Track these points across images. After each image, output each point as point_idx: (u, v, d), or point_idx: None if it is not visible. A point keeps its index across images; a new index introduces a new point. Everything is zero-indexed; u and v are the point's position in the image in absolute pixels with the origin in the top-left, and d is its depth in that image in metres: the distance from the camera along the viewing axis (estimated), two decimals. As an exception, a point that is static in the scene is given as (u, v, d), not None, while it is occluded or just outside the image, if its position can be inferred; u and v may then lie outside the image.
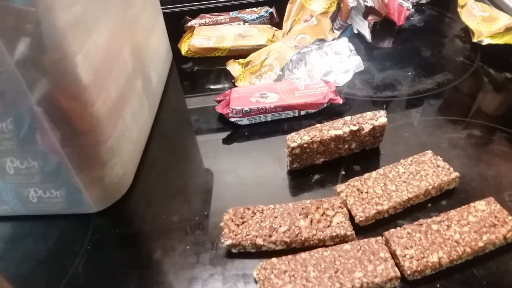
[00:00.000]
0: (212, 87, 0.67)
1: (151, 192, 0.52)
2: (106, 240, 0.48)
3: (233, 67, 0.66)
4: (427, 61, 0.68)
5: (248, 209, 0.46)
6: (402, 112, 0.60)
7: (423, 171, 0.47)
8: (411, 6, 0.76)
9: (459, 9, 0.73)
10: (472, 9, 0.72)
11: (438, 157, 0.49)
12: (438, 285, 0.40)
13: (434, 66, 0.67)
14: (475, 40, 0.68)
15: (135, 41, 0.54)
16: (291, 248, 0.44)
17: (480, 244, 0.40)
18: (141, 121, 0.56)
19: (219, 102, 0.61)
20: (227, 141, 0.58)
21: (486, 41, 0.66)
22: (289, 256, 0.41)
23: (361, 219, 0.44)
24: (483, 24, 0.69)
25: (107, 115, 0.45)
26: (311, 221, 0.44)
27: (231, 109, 0.58)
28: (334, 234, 0.43)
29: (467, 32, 0.72)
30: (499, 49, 0.66)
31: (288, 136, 0.50)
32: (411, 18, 0.80)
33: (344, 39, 0.68)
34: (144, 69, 0.58)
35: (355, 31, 0.74)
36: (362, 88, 0.64)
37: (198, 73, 0.71)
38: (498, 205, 0.43)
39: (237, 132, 0.59)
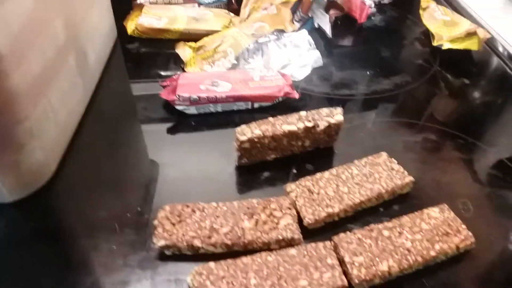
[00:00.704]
0: (159, 71, 0.62)
1: (77, 183, 0.46)
2: (20, 235, 0.41)
3: (183, 50, 0.61)
4: (386, 62, 0.67)
5: (187, 206, 0.41)
6: (358, 112, 0.57)
7: (377, 173, 0.45)
8: (373, 5, 0.74)
9: (421, 11, 0.73)
10: (434, 12, 0.71)
11: (393, 159, 0.46)
12: (387, 296, 0.37)
13: (393, 67, 0.65)
14: (435, 44, 0.67)
15: (70, 13, 0.48)
16: (233, 251, 0.39)
17: (432, 253, 0.38)
18: (72, 102, 0.49)
19: (165, 87, 0.56)
20: (171, 131, 0.53)
21: (446, 46, 0.66)
22: (229, 261, 0.37)
23: (310, 222, 0.41)
24: (443, 28, 0.68)
25: (26, 91, 0.39)
26: (256, 222, 0.40)
27: (177, 96, 0.53)
28: (280, 237, 0.39)
29: (427, 35, 0.71)
30: (459, 54, 0.66)
31: (238, 129, 0.46)
32: (373, 18, 0.78)
33: (304, 32, 0.64)
34: (79, 45, 0.51)
35: (316, 25, 0.71)
36: (319, 84, 0.61)
37: (145, 55, 0.65)
38: (452, 213, 0.41)
39: (184, 122, 0.54)
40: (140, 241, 0.40)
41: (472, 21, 0.69)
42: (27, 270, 0.38)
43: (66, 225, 0.42)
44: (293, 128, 0.46)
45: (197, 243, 0.38)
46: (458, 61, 0.66)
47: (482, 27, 0.70)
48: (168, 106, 0.55)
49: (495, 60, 0.68)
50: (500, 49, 0.68)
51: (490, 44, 0.70)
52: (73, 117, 0.50)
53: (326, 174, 0.45)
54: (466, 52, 0.66)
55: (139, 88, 0.60)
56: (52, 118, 0.44)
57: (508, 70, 0.65)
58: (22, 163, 0.41)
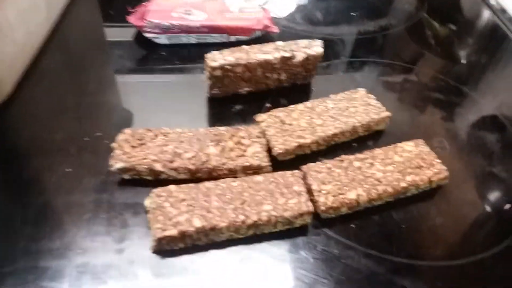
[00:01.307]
0: (131, 3, 0.58)
1: (35, 106, 0.43)
2: (-32, 155, 0.38)
3: (157, -24, 0.57)
4: (374, 5, 0.64)
5: (149, 130, 0.39)
6: (339, 51, 0.54)
7: (352, 107, 0.43)
8: None
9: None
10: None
11: (371, 95, 0.44)
12: (353, 226, 0.36)
13: (379, 11, 0.62)
14: (423, -11, 0.64)
15: None
16: (196, 178, 0.38)
17: (403, 184, 0.36)
18: (32, 22, 0.45)
19: (134, 13, 0.52)
20: (141, 61, 0.50)
21: (434, -9, 0.63)
22: (191, 185, 0.35)
23: (279, 151, 0.39)
24: (433, -26, 0.65)
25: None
26: (223, 148, 0.38)
27: (147, 22, 0.49)
28: (247, 164, 0.37)
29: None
30: (448, 2, 0.63)
31: (209, 55, 0.43)
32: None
33: (289, -32, 0.61)
34: (42, -42, 0.47)
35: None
36: (302, 23, 0.58)
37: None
38: (427, 147, 0.40)
39: (154, 52, 0.51)
40: (98, 165, 0.38)
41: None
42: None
43: (20, 146, 0.39)
44: (268, 57, 0.44)
45: (158, 166, 0.36)
46: (447, 9, 0.64)
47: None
48: (139, 35, 0.51)
49: (484, 10, 0.65)
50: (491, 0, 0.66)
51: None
52: (33, 38, 0.46)
53: (300, 106, 0.43)
54: (456, 1, 0.64)
55: (108, 18, 0.56)
56: (8, 35, 0.41)
57: (497, 20, 0.63)
58: (-28, 76, 0.38)
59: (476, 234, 0.37)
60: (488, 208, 0.39)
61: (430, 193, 0.39)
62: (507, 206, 0.38)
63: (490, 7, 0.65)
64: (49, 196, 0.36)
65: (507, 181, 0.41)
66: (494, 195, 0.40)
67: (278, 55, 0.44)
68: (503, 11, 0.63)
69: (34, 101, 0.43)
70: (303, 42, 0.46)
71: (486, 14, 0.65)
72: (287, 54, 0.44)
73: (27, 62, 0.45)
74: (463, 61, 0.56)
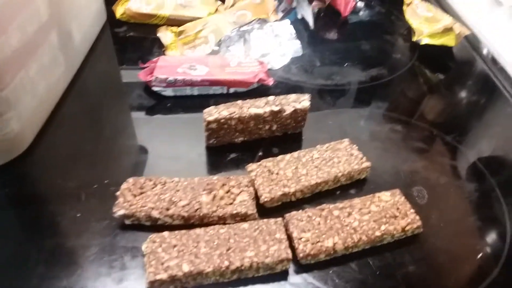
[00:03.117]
0: (143, 55, 0.64)
1: (52, 154, 0.48)
2: (-8, 200, 0.44)
3: (165, 34, 0.63)
4: (365, 55, 0.68)
5: (150, 180, 0.43)
6: (330, 101, 0.58)
7: (336, 158, 0.46)
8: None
9: (404, 7, 0.74)
10: (417, 8, 0.72)
11: (354, 145, 0.48)
12: (331, 272, 0.39)
13: (371, 60, 0.66)
14: (414, 39, 0.68)
15: (53, -8, 0.50)
16: (190, 224, 0.42)
17: (377, 233, 0.40)
18: (53, 77, 0.51)
19: (144, 69, 0.58)
20: (148, 111, 0.55)
21: (424, 41, 0.67)
22: (182, 231, 0.39)
23: (266, 199, 0.43)
24: (425, 24, 0.69)
25: (3, 63, 0.41)
26: (214, 197, 0.42)
27: (154, 77, 0.55)
28: (234, 212, 0.41)
29: (410, 31, 0.72)
30: (438, 50, 0.67)
31: (206, 110, 0.48)
32: (360, 13, 0.79)
33: (287, 22, 0.66)
34: (63, 23, 0.53)
35: (299, 16, 0.72)
36: (297, 73, 0.63)
37: (131, 39, 0.67)
38: (403, 198, 0.43)
39: (160, 103, 0.56)
40: (104, 210, 0.42)
41: (458, 19, 0.70)
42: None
43: (37, 192, 0.45)
44: (259, 111, 0.48)
45: (155, 214, 0.41)
46: (437, 57, 0.67)
47: (466, 25, 0.71)
48: (148, 88, 0.57)
49: (474, 58, 0.69)
50: (482, 49, 0.69)
51: (472, 42, 0.71)
52: (53, 91, 0.52)
53: (288, 156, 0.47)
54: (447, 49, 0.67)
55: (122, 70, 0.62)
56: (30, 90, 0.46)
57: (486, 69, 0.66)
58: (-1, 131, 0.43)
59: (450, 281, 0.39)
60: (462, 256, 0.41)
61: (406, 241, 0.41)
62: (479, 255, 0.41)
63: (481, 56, 0.68)
64: (60, 239, 0.40)
65: (482, 230, 0.43)
66: (469, 244, 0.42)
67: (268, 109, 0.48)
68: (494, 61, 0.66)
69: (51, 149, 0.49)
70: (292, 97, 0.50)
71: (477, 64, 0.68)
72: (276, 108, 0.49)
73: (47, 113, 0.51)
74: (450, 110, 0.59)
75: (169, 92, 0.56)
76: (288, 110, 0.49)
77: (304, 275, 0.39)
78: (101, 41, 0.66)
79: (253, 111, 0.48)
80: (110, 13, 0.69)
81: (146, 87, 0.57)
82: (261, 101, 0.50)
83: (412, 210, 0.42)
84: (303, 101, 0.50)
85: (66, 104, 0.54)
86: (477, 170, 0.50)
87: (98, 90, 0.59)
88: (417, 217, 0.41)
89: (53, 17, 0.50)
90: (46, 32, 0.49)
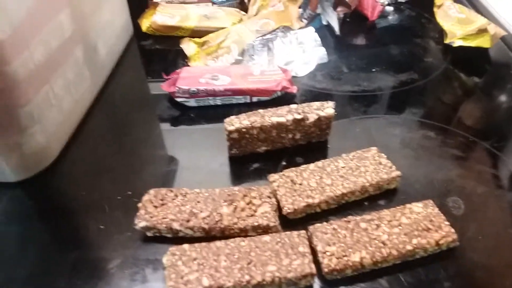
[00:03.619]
0: (168, 66, 0.64)
1: (78, 167, 0.49)
2: (19, 212, 0.44)
3: (188, 45, 0.63)
4: (394, 60, 0.65)
5: (171, 191, 0.43)
6: (357, 108, 0.56)
7: (363, 167, 0.44)
8: (386, 2, 0.73)
9: (435, 9, 0.71)
10: (449, 10, 0.69)
11: (382, 154, 0.46)
12: (358, 288, 0.37)
13: (401, 65, 0.64)
14: (447, 41, 0.65)
15: (78, 7, 0.51)
16: (211, 236, 0.41)
17: (409, 247, 0.37)
18: (78, 92, 0.52)
19: (167, 80, 0.58)
20: (172, 122, 0.55)
21: (458, 43, 0.63)
22: (203, 244, 0.38)
23: (289, 211, 0.41)
24: (458, 25, 0.66)
25: (27, 78, 0.42)
26: (235, 208, 0.41)
27: (177, 88, 0.55)
28: (256, 224, 0.40)
29: (442, 34, 0.69)
30: (471, 52, 0.64)
31: (227, 119, 0.47)
32: (389, 17, 0.77)
33: (311, 29, 0.65)
34: (88, 38, 0.54)
35: (325, 22, 0.71)
36: (322, 80, 0.61)
37: (157, 51, 0.68)
38: (436, 209, 0.40)
39: (184, 114, 0.56)
40: (126, 222, 0.42)
41: (493, 20, 0.67)
42: (17, 242, 0.41)
43: (62, 205, 0.45)
44: (281, 119, 0.47)
45: (175, 225, 0.40)
46: (472, 60, 0.64)
47: (502, 26, 0.67)
48: (172, 99, 0.57)
49: (511, 60, 0.65)
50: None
51: (509, 44, 0.67)
52: (79, 106, 0.53)
53: (311, 166, 0.45)
54: (482, 51, 0.64)
55: (148, 82, 0.63)
56: (55, 104, 0.47)
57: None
58: (24, 145, 0.44)
59: (490, 300, 0.36)
60: (502, 272, 0.38)
61: (440, 256, 0.39)
62: (522, 270, 0.37)
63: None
64: (82, 251, 0.40)
65: (524, 243, 0.40)
66: (510, 258, 0.39)
67: (290, 117, 0.47)
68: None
69: (77, 162, 0.49)
70: (315, 104, 0.48)
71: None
72: (299, 116, 0.47)
73: (73, 127, 0.52)
74: (487, 115, 0.56)
75: (192, 102, 0.56)
76: (312, 118, 0.47)
77: (330, 291, 0.37)
78: (128, 55, 0.67)
79: (275, 119, 0.47)
80: (136, 27, 0.70)
81: (171, 99, 0.57)
82: (283, 109, 0.48)
83: (446, 222, 0.39)
84: (327, 108, 0.48)
85: (92, 117, 0.55)
86: (519, 178, 0.46)
87: (123, 102, 0.59)
88: (452, 230, 0.38)
89: (77, 32, 0.51)
90: (70, 47, 0.50)
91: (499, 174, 0.47)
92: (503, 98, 0.59)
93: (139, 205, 0.42)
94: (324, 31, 0.70)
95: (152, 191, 0.43)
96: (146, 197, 0.42)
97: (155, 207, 0.41)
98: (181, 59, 0.65)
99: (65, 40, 0.49)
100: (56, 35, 0.47)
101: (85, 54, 0.53)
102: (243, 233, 0.40)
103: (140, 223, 0.40)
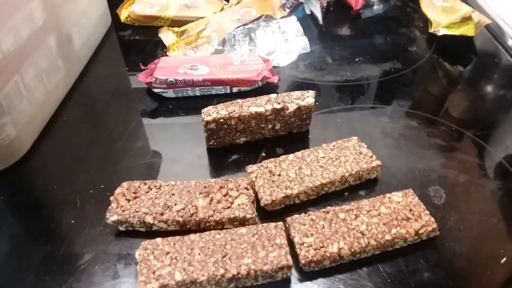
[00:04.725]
0: (146, 57, 0.62)
1: (50, 160, 0.47)
2: (-12, 207, 0.43)
3: (166, 35, 0.61)
4: (378, 49, 0.64)
5: (145, 183, 0.41)
6: (339, 97, 0.55)
7: (343, 157, 0.43)
8: (370, -9, 0.72)
9: (420, -2, 0.70)
10: (433, -1, 0.68)
11: (363, 144, 0.45)
12: (337, 279, 0.36)
13: (384, 54, 0.63)
14: (431, 30, 0.64)
15: (50, -4, 0.49)
16: (186, 230, 0.39)
17: (388, 237, 0.36)
18: (52, 82, 0.50)
19: (144, 71, 0.56)
20: (148, 113, 0.54)
21: (442, 32, 0.63)
22: (176, 237, 0.37)
23: (266, 202, 0.40)
24: (442, 14, 0.65)
25: (-6, 67, 0.40)
26: (211, 201, 0.40)
27: (154, 78, 0.53)
28: (232, 216, 0.38)
29: (428, 23, 0.68)
30: (457, 41, 0.63)
31: (204, 110, 0.46)
32: (374, 7, 0.76)
33: (293, 18, 0.63)
34: (62, 28, 0.52)
35: (308, 12, 0.70)
36: (305, 70, 0.60)
37: (136, 41, 0.66)
38: (416, 198, 0.39)
39: (162, 105, 0.54)
40: (98, 217, 0.41)
41: (479, 10, 0.66)
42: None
43: (31, 199, 0.43)
44: (260, 109, 0.46)
45: (148, 219, 0.39)
46: (457, 49, 0.63)
47: (489, 15, 0.66)
48: (151, 91, 0.55)
49: (498, 50, 0.64)
50: (506, 39, 0.64)
51: (495, 33, 0.66)
52: (52, 97, 0.52)
53: (291, 156, 0.44)
54: (467, 40, 0.63)
55: (126, 74, 0.61)
56: (25, 95, 0.45)
57: (511, 61, 0.61)
58: (-7, 137, 0.43)
59: (471, 290, 0.36)
60: (484, 261, 0.37)
61: (420, 245, 0.38)
62: (504, 260, 0.37)
63: (505, 47, 0.64)
64: (53, 246, 0.39)
65: (505, 232, 0.39)
66: (492, 247, 0.38)
67: (270, 107, 0.46)
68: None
69: (50, 155, 0.48)
70: (295, 94, 0.47)
71: (501, 55, 0.63)
72: (278, 106, 0.46)
73: (46, 119, 0.50)
74: (471, 104, 0.55)
75: (170, 93, 0.54)
76: (291, 107, 0.46)
77: (308, 283, 0.36)
78: (106, 45, 0.65)
79: (254, 109, 0.46)
80: (115, 17, 0.69)
81: (149, 90, 0.56)
82: (263, 99, 0.47)
83: (426, 212, 0.38)
84: (307, 97, 0.47)
85: (67, 109, 0.53)
86: (501, 168, 0.45)
87: (100, 94, 0.58)
88: (432, 219, 0.37)
89: (49, 22, 0.49)
90: (42, 37, 0.48)
91: (482, 164, 0.46)
92: (487, 87, 0.58)
93: (111, 198, 0.40)
94: (308, 21, 0.69)
95: (125, 184, 0.41)
96: (118, 190, 0.41)
97: (128, 200, 0.40)
98: (161, 49, 0.64)
99: (37, 29, 0.47)
100: (27, 24, 0.45)
101: (59, 44, 0.51)
102: (220, 225, 0.39)
103: (111, 217, 0.39)
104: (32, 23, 0.46)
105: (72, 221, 0.41)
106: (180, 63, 0.55)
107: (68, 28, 0.54)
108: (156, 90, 0.54)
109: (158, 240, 0.36)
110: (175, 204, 0.39)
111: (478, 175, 0.45)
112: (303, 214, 0.38)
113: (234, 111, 0.45)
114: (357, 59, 0.62)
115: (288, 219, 0.38)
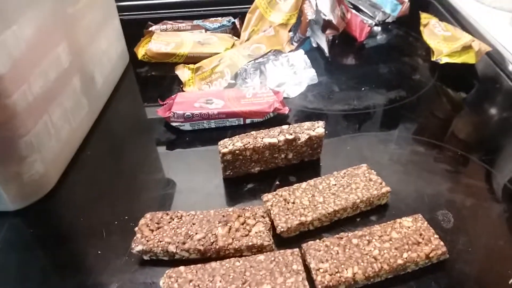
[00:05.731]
0: (163, 92, 0.66)
1: (76, 194, 0.50)
2: (18, 241, 0.45)
3: (182, 71, 0.65)
4: (383, 78, 0.67)
5: (167, 214, 0.44)
6: (348, 126, 0.58)
7: (354, 184, 0.45)
8: (374, 24, 0.75)
9: (421, 28, 0.73)
10: (434, 28, 0.71)
11: (372, 171, 0.47)
12: (352, 304, 0.37)
13: (389, 83, 0.66)
14: (433, 58, 0.67)
15: (74, 39, 0.53)
16: (207, 258, 0.41)
17: (400, 261, 0.38)
18: (76, 120, 0.54)
19: (163, 106, 0.60)
20: (167, 146, 0.57)
21: (444, 60, 0.65)
22: (198, 265, 0.39)
23: (282, 229, 0.42)
24: (444, 43, 0.68)
25: (26, 109, 0.44)
26: (230, 229, 0.42)
27: (172, 113, 0.56)
28: (250, 243, 0.41)
29: (430, 52, 0.71)
30: (458, 68, 0.65)
31: (220, 142, 0.49)
32: (377, 37, 0.79)
33: (301, 51, 0.67)
34: (85, 68, 0.56)
35: (315, 45, 0.73)
36: (313, 100, 0.63)
37: (153, 78, 0.70)
38: (425, 223, 0.41)
39: (179, 137, 0.57)
40: (123, 247, 0.43)
41: (479, 37, 0.69)
42: (17, 271, 0.42)
43: (60, 232, 0.46)
44: (273, 140, 0.48)
45: (171, 248, 0.41)
46: (459, 76, 0.66)
47: (488, 42, 0.69)
48: (168, 124, 0.58)
49: (499, 75, 0.66)
50: (506, 65, 0.67)
51: (495, 59, 0.69)
52: (77, 133, 0.55)
53: (304, 184, 0.46)
54: (469, 67, 0.66)
55: (144, 109, 0.64)
56: (53, 134, 0.49)
57: (511, 84, 0.64)
58: (24, 174, 0.45)
59: (483, 311, 0.37)
60: (493, 282, 0.38)
61: (431, 269, 0.39)
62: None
63: (506, 73, 0.66)
64: (81, 277, 0.41)
65: (514, 254, 0.41)
66: (500, 269, 0.39)
67: (282, 138, 0.48)
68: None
69: (75, 189, 0.51)
70: (306, 125, 0.50)
71: (502, 80, 0.65)
72: (290, 137, 0.48)
73: (71, 155, 0.54)
74: (475, 129, 0.57)
75: (187, 126, 0.57)
76: (303, 138, 0.49)
77: (324, 308, 0.37)
78: (124, 82, 0.69)
79: (267, 140, 0.48)
80: (133, 55, 0.73)
81: (167, 123, 0.59)
82: (275, 130, 0.50)
83: (436, 236, 0.40)
84: (318, 128, 0.49)
85: (90, 144, 0.57)
86: (506, 191, 0.47)
87: (121, 128, 0.61)
88: (442, 243, 0.39)
89: (74, 63, 0.53)
90: (68, 78, 0.52)
91: (488, 187, 0.48)
92: (490, 112, 0.61)
93: (136, 229, 0.43)
94: (315, 53, 0.72)
95: (148, 215, 0.44)
96: (142, 221, 0.43)
97: (151, 230, 0.42)
98: (176, 84, 0.67)
99: (63, 71, 0.51)
100: (54, 67, 0.49)
101: (83, 83, 0.55)
102: (238, 253, 0.41)
103: (136, 247, 0.41)
104: (58, 66, 0.50)
105: (99, 252, 0.43)
106: (196, 97, 0.58)
107: (91, 68, 0.58)
108: (174, 124, 0.57)
109: (182, 268, 0.39)
110: (196, 233, 0.42)
111: (484, 198, 0.47)
112: (317, 240, 0.40)
113: (249, 142, 0.48)
114: (363, 88, 0.65)
115: (304, 245, 0.40)
